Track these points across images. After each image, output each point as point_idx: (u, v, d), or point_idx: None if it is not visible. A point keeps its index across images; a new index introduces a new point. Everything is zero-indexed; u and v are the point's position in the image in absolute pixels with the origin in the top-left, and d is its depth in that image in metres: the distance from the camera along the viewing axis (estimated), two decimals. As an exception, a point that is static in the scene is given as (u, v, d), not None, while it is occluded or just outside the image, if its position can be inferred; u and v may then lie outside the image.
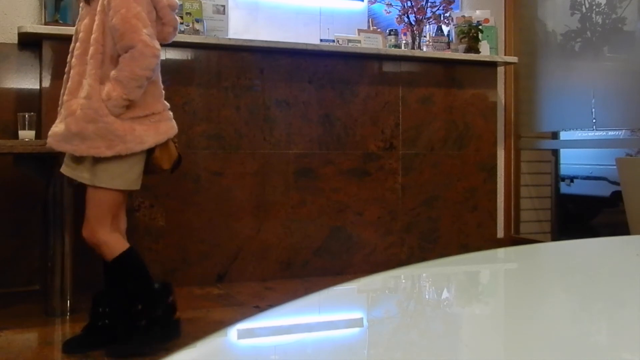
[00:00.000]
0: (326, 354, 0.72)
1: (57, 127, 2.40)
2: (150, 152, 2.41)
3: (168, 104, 2.50)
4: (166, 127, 2.44)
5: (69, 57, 2.50)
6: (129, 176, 2.40)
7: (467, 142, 4.30)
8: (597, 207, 5.87)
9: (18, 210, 3.44)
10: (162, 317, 2.40)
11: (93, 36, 2.36)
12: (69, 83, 2.40)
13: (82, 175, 2.41)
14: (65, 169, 2.49)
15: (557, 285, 1.04)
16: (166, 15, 2.46)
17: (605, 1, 4.22)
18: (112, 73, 2.32)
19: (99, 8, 2.36)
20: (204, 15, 3.73)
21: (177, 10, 2.56)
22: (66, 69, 2.50)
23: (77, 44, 2.42)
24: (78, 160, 2.41)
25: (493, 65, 4.41)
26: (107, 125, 2.31)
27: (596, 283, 1.02)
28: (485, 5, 4.67)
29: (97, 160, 2.35)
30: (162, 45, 2.46)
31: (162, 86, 2.49)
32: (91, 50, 2.35)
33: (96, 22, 2.36)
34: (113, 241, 2.43)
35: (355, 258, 4.00)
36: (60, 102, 2.49)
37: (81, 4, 2.49)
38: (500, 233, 4.60)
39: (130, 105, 2.34)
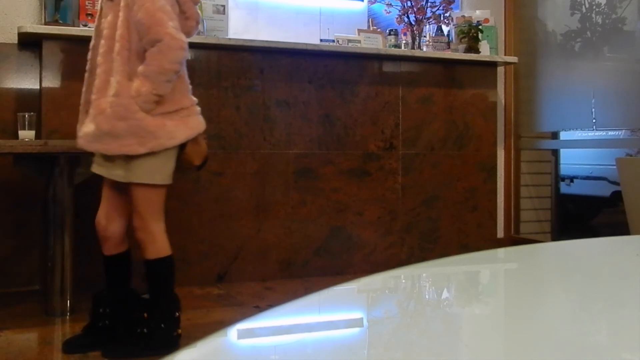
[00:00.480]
0: (326, 354, 0.72)
1: (87, 127, 2.35)
2: (181, 148, 2.39)
3: (196, 99, 2.46)
4: (195, 122, 2.42)
5: (89, 54, 2.45)
6: (164, 171, 2.37)
7: (467, 142, 4.30)
8: (597, 207, 5.87)
9: (18, 210, 3.44)
10: (164, 330, 2.36)
11: (118, 32, 2.31)
12: (96, 81, 2.35)
13: (115, 172, 2.37)
14: (97, 168, 2.44)
15: (557, 285, 1.04)
16: (189, 9, 2.43)
17: (605, 1, 4.21)
18: (140, 68, 2.27)
19: (122, 4, 2.32)
20: (204, 15, 3.72)
21: (199, 4, 2.52)
22: (87, 67, 2.46)
23: (102, 41, 2.36)
24: (110, 158, 2.37)
25: (493, 65, 4.40)
26: (139, 122, 2.27)
27: (596, 283, 1.02)
28: (485, 5, 4.66)
29: (130, 158, 2.31)
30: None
31: (188, 81, 2.44)
32: (117, 46, 2.31)
33: (120, 18, 2.31)
34: (162, 241, 2.41)
35: (355, 258, 4.00)
36: (82, 101, 2.45)
37: (103, 1, 2.44)
38: (500, 233, 4.60)
39: (160, 100, 2.29)
